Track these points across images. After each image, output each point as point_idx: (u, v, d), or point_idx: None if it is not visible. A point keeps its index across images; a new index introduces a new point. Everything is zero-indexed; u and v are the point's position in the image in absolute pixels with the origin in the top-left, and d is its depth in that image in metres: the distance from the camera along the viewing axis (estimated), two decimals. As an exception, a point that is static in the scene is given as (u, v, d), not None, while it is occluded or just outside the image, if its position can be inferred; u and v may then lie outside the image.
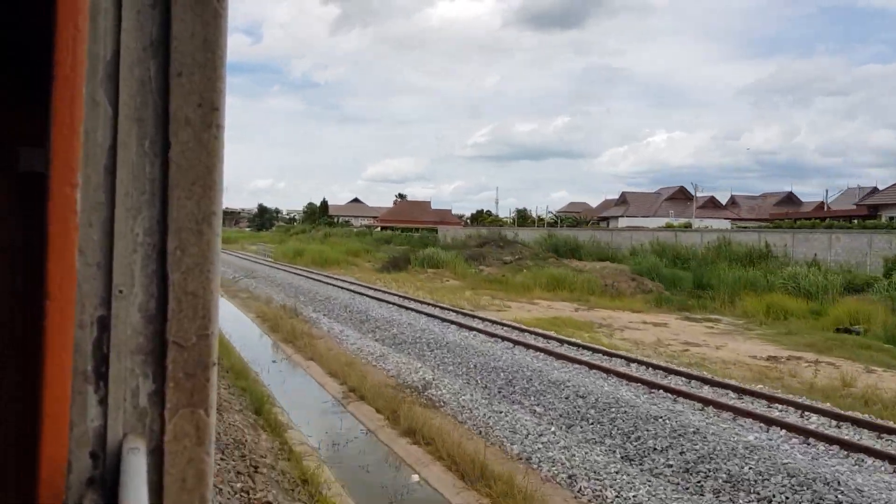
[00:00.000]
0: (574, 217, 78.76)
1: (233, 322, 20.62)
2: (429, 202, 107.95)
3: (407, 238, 61.83)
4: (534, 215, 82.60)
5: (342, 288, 27.42)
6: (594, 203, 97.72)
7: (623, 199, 78.12)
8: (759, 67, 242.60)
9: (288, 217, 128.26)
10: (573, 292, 26.84)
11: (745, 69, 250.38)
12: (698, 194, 69.14)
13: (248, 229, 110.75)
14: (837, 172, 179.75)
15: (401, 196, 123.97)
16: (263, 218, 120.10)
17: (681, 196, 73.15)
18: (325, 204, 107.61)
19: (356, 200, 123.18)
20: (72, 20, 0.82)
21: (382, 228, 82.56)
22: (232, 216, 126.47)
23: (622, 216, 69.60)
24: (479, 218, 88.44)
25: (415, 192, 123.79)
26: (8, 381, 1.10)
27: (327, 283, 29.24)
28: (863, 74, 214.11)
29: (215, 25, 0.91)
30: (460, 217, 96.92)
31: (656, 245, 36.94)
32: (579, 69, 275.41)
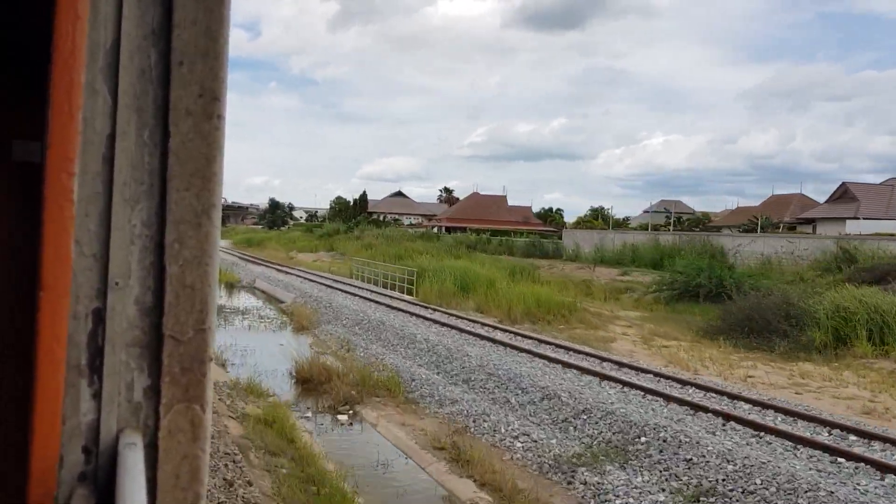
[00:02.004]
0: (751, 220, 49.79)
1: None
2: (504, 197, 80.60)
3: (504, 244, 46.88)
4: (608, 215, 67.14)
5: None
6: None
7: (845, 194, 51.57)
8: (758, 72, 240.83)
9: (307, 214, 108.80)
10: None
11: (745, 73, 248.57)
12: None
13: (259, 227, 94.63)
14: (833, 178, 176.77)
15: (447, 191, 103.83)
16: (275, 214, 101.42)
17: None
18: (364, 198, 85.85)
19: (399, 194, 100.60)
20: (72, 5, 0.80)
21: (448, 230, 65.84)
22: (239, 212, 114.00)
23: (853, 217, 44.96)
24: (549, 218, 77.76)
25: (410, 192, 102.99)
26: (8, 379, 1.09)
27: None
28: (861, 80, 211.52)
29: (218, 13, 0.89)
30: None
31: None
32: (580, 71, 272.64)
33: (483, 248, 45.00)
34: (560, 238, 49.58)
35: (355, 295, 24.93)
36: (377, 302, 23.09)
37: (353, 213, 79.06)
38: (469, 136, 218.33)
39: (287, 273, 34.08)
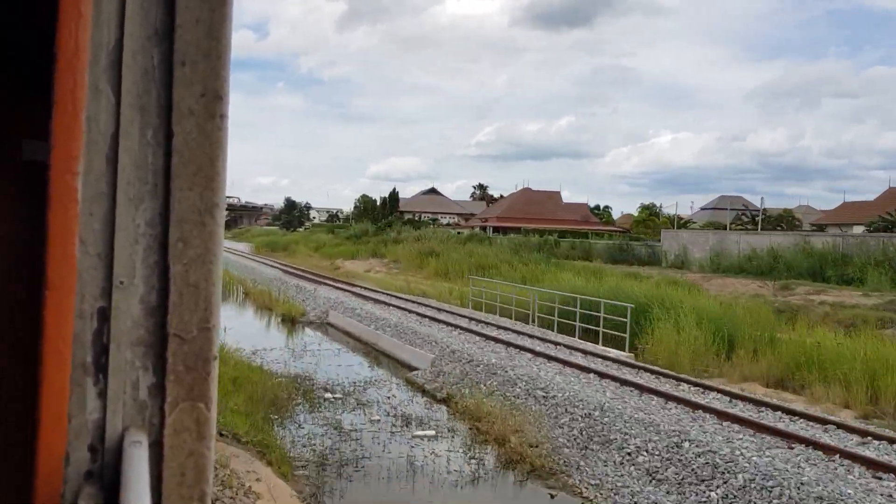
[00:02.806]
0: (885, 217, 39.93)
1: None
2: (559, 193, 70.98)
3: (578, 247, 38.43)
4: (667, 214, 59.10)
5: None
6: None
7: None
8: (766, 69, 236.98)
9: (328, 214, 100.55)
10: None
11: (753, 71, 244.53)
12: None
13: (276, 228, 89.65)
14: (842, 175, 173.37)
15: (481, 188, 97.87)
16: (292, 214, 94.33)
17: None
18: (395, 196, 76.52)
19: (433, 191, 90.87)
20: (75, 5, 0.81)
21: (496, 230, 57.56)
22: (253, 212, 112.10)
23: None
24: (596, 216, 71.96)
25: (415, 191, 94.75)
26: (9, 379, 1.10)
27: None
28: (871, 77, 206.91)
29: (221, 12, 0.89)
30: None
31: None
32: (587, 69, 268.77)
33: (551, 252, 36.92)
34: (657, 240, 41.12)
35: (545, 356, 14.32)
36: (627, 383, 12.13)
37: (382, 213, 70.43)
38: (476, 136, 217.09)
39: (373, 300, 22.95)
